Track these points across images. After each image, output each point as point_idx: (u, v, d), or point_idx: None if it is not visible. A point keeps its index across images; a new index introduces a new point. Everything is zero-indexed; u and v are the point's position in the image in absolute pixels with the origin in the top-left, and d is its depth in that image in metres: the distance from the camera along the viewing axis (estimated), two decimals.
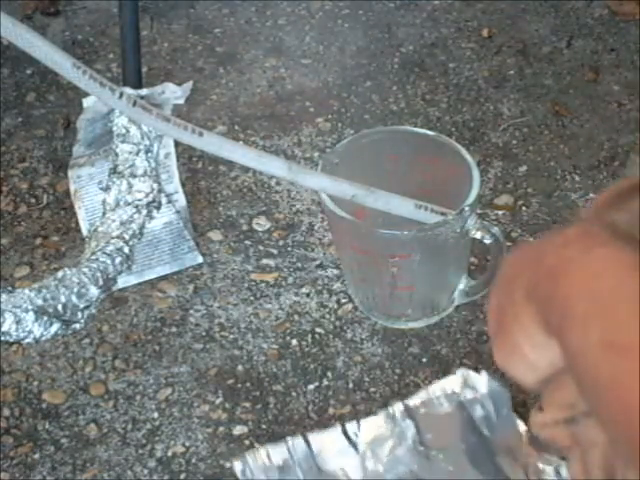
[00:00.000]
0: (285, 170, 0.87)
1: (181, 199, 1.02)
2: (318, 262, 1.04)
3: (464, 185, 0.92)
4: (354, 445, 0.85)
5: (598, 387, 0.49)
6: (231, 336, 0.98)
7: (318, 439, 0.86)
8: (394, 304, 0.97)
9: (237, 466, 0.85)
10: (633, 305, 0.47)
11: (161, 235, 1.01)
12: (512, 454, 0.85)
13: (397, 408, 0.87)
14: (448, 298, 0.97)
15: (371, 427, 0.86)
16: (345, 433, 0.86)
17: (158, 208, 1.01)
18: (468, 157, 0.93)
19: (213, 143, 0.86)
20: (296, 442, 0.86)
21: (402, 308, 0.97)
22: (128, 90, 0.98)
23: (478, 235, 0.91)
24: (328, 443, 0.86)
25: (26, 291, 0.90)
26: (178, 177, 1.01)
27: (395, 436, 0.85)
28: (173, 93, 0.99)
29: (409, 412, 0.87)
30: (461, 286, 0.96)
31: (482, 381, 0.88)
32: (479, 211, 1.00)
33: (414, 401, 0.88)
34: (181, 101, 1.00)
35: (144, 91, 0.99)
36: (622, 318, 0.48)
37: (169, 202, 1.00)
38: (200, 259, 1.03)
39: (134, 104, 0.82)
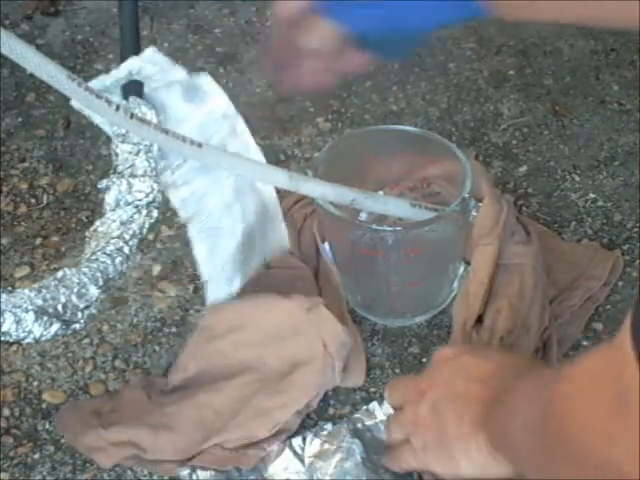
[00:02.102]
0: (285, 180, 0.87)
1: None
2: None
3: (456, 177, 0.92)
4: (300, 458, 0.86)
5: None
6: None
7: None
8: (401, 301, 0.97)
9: (183, 471, 0.86)
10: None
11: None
12: None
13: (343, 427, 0.87)
14: (449, 288, 0.98)
15: (317, 442, 0.87)
16: (290, 446, 0.86)
17: (158, 208, 1.00)
18: (458, 151, 0.93)
19: (211, 155, 0.86)
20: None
21: (408, 304, 0.97)
22: None
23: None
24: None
25: (26, 291, 0.90)
26: None
27: (342, 451, 0.86)
28: None
29: (356, 432, 0.87)
30: (460, 271, 0.97)
31: None
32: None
33: (359, 423, 0.88)
34: None
35: None
36: None
37: None
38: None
39: (131, 116, 0.81)
